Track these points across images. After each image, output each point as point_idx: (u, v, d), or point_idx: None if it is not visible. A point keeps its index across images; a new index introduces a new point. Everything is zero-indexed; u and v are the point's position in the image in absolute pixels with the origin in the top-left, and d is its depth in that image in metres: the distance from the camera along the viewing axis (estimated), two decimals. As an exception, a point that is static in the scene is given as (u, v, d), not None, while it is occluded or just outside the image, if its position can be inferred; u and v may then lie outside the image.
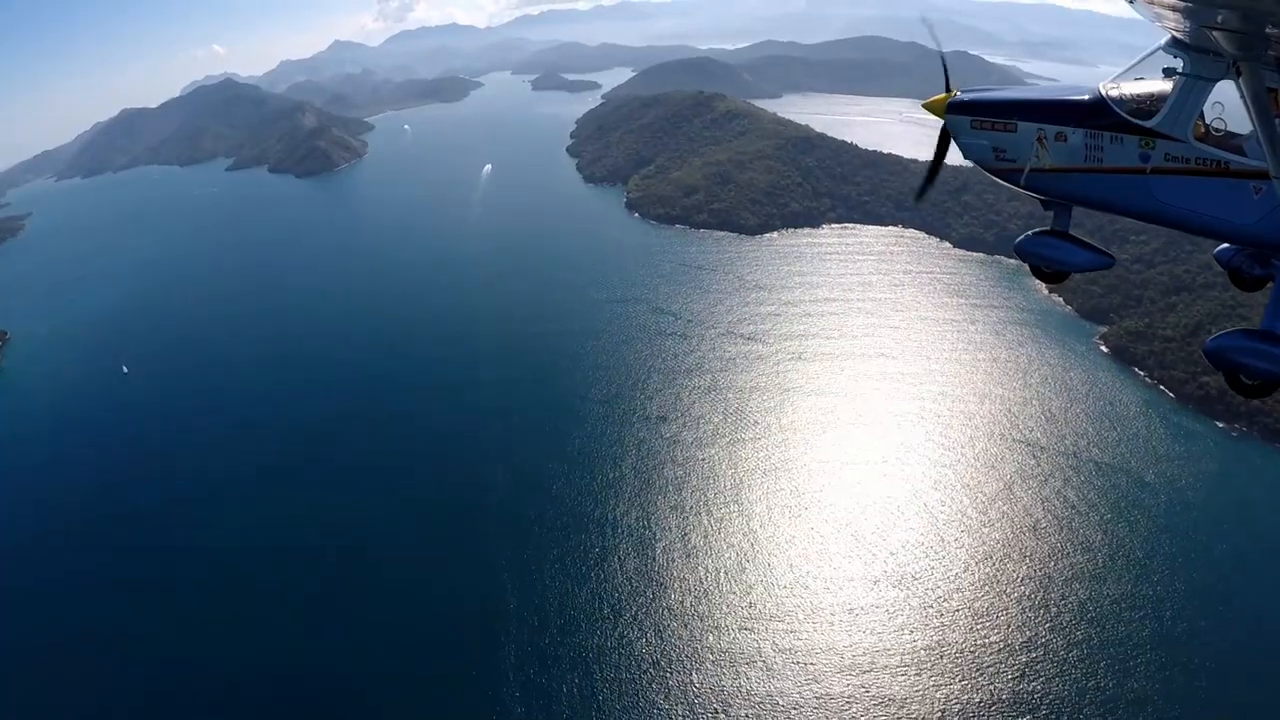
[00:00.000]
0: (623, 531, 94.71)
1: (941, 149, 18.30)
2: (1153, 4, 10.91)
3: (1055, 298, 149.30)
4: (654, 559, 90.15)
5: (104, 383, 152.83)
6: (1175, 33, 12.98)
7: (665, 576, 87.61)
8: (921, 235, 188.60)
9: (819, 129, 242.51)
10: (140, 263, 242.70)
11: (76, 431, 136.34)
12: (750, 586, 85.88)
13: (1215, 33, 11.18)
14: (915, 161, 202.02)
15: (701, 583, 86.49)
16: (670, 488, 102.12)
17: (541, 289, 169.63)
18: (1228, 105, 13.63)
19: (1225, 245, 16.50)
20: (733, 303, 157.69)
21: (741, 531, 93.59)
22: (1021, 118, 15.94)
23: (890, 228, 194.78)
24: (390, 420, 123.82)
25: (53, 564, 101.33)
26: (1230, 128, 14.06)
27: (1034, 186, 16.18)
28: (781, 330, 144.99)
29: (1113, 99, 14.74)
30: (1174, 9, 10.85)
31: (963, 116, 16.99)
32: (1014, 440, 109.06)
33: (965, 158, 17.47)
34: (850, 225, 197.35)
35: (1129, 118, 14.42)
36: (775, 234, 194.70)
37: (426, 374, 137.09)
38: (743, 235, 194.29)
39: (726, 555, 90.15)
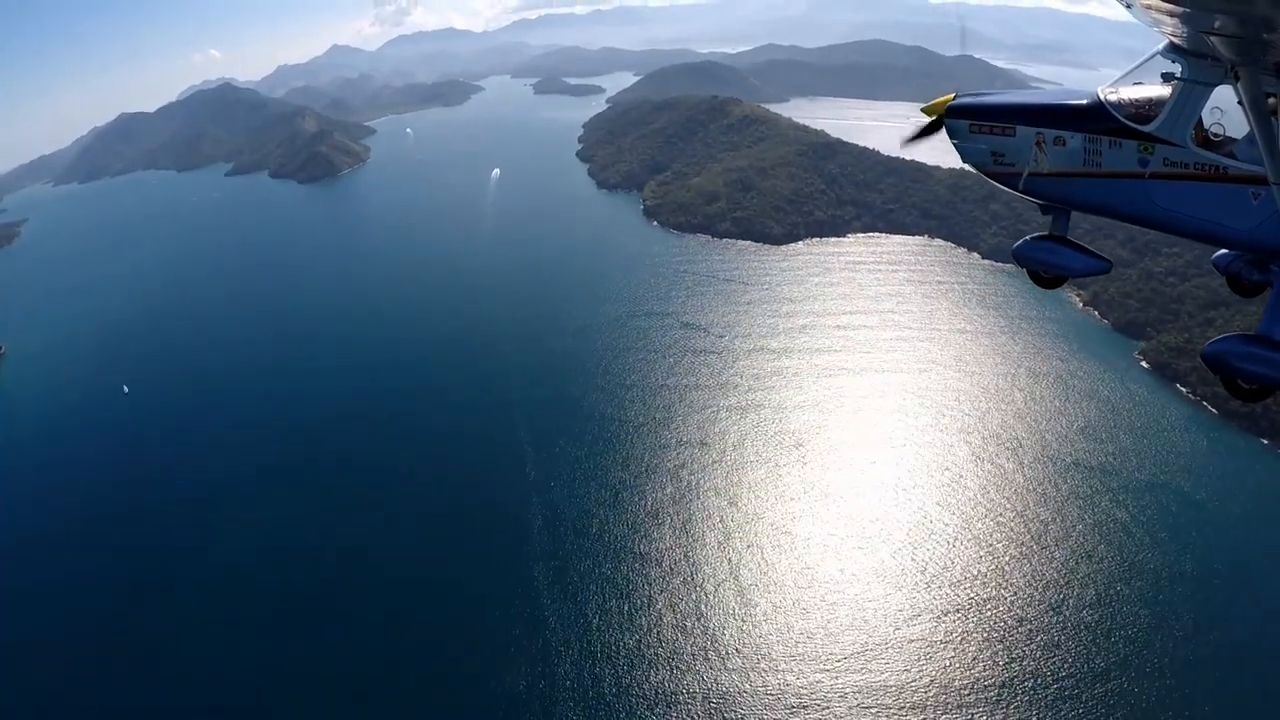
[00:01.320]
0: (668, 566, 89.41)
1: (928, 130, 18.21)
2: (1150, 10, 10.65)
3: (1090, 310, 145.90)
4: (706, 597, 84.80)
5: (103, 397, 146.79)
6: (1173, 38, 12.88)
7: (721, 616, 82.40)
8: (949, 245, 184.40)
9: (834, 134, 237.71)
10: (141, 269, 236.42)
11: (75, 437, 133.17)
12: (812, 627, 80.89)
13: (1213, 38, 11.05)
14: (939, 168, 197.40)
15: (759, 624, 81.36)
16: (716, 518, 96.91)
17: (562, 300, 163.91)
18: (1226, 110, 13.56)
19: (1223, 251, 16.40)
20: (763, 315, 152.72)
21: (798, 567, 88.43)
22: (1020, 122, 15.89)
23: (917, 237, 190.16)
24: (413, 438, 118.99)
25: (54, 564, 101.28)
26: (1229, 133, 13.97)
27: (1032, 191, 16.14)
28: (816, 344, 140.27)
29: (1111, 103, 14.64)
30: (1172, 15, 10.73)
31: (961, 120, 16.92)
32: (1063, 462, 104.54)
33: (963, 161, 17.35)
34: (876, 234, 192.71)
35: (1127, 122, 14.31)
36: (801, 243, 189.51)
37: (447, 391, 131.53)
38: (768, 245, 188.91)
39: (784, 593, 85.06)
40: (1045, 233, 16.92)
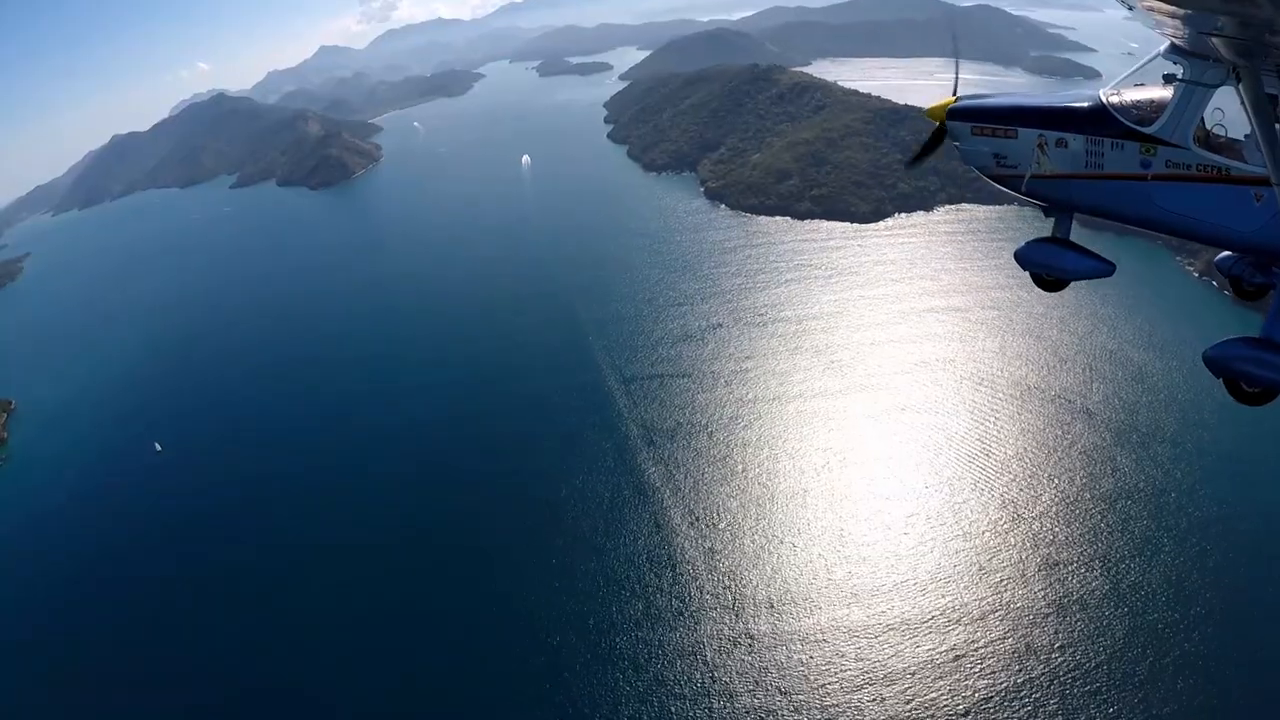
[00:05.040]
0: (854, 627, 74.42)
1: (933, 143, 18.18)
2: (1152, 11, 10.76)
3: (1208, 280, 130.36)
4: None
5: (131, 456, 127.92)
6: (1175, 39, 12.88)
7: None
8: (1039, 214, 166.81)
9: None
10: (157, 298, 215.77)
11: (102, 502, 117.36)
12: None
13: (1215, 39, 11.08)
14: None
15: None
16: (905, 562, 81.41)
17: (647, 303, 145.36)
18: (1228, 112, 13.31)
19: (1226, 253, 16.12)
20: (881, 301, 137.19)
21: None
22: (1022, 124, 15.75)
23: (1006, 207, 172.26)
24: (514, 461, 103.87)
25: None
26: (1231, 134, 13.74)
27: (1034, 193, 16.09)
28: (942, 331, 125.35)
29: (1113, 105, 14.47)
30: (1173, 16, 10.90)
31: (963, 123, 16.80)
32: (1220, 453, 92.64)
33: (966, 164, 17.30)
34: (964, 206, 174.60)
35: (1130, 124, 14.15)
36: (891, 220, 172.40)
37: (549, 426, 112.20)
38: (856, 223, 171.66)
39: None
40: (1048, 235, 16.55)
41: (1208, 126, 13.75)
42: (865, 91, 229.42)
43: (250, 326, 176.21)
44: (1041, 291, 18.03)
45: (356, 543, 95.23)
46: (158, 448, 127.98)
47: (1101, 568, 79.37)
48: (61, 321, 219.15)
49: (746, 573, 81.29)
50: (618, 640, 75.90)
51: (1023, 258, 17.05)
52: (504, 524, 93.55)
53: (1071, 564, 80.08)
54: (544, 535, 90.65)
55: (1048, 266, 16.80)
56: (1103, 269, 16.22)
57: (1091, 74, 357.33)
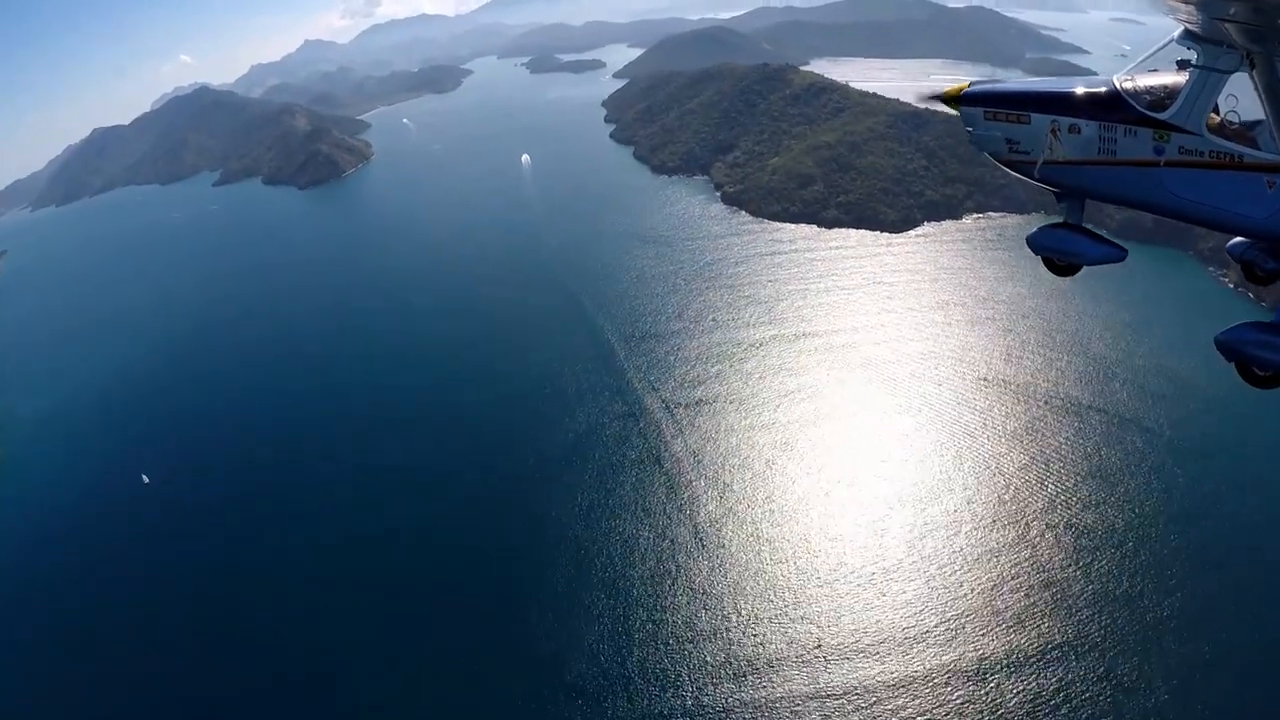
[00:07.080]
0: None
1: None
2: None
3: (1244, 293, 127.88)
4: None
5: (119, 486, 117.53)
6: (1188, 25, 12.97)
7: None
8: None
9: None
10: (147, 302, 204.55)
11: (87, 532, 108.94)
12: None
13: (1228, 25, 11.13)
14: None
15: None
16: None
17: (685, 320, 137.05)
18: (1242, 98, 13.10)
19: (1238, 239, 16.01)
20: (924, 314, 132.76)
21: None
22: (1035, 110, 15.75)
23: (1034, 214, 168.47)
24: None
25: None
26: (1244, 120, 13.49)
27: (1047, 179, 16.04)
28: (1008, 347, 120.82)
29: (1126, 91, 14.35)
30: (1187, 1, 10.83)
31: (976, 108, 16.83)
32: None
33: (978, 149, 17.27)
34: (992, 214, 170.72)
35: (1143, 110, 14.03)
36: (921, 229, 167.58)
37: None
38: (888, 233, 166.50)
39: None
40: (1060, 221, 16.60)
41: (1221, 113, 13.58)
42: (879, 93, 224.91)
43: (248, 331, 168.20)
44: (1055, 277, 18.09)
45: (361, 576, 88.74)
46: (145, 479, 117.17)
47: (1184, 594, 76.24)
48: (40, 322, 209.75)
49: (832, 623, 76.15)
50: (702, 699, 71.09)
51: (1034, 243, 17.03)
52: (539, 569, 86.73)
53: (1156, 592, 76.92)
54: (594, 587, 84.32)
55: (1060, 251, 16.68)
56: (1114, 254, 16.00)
57: (1090, 75, 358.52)
